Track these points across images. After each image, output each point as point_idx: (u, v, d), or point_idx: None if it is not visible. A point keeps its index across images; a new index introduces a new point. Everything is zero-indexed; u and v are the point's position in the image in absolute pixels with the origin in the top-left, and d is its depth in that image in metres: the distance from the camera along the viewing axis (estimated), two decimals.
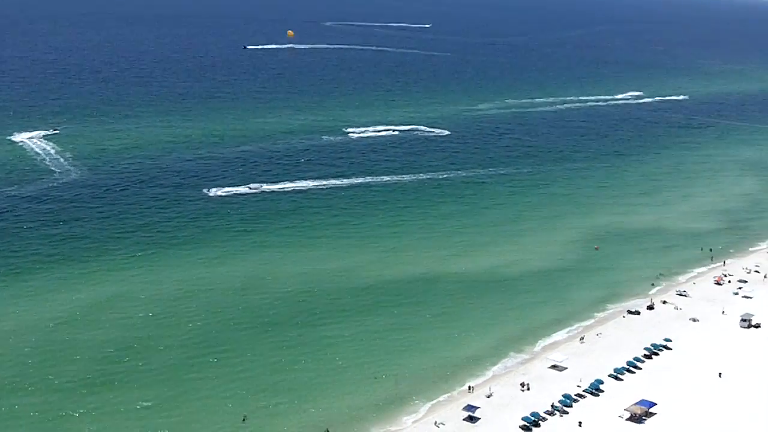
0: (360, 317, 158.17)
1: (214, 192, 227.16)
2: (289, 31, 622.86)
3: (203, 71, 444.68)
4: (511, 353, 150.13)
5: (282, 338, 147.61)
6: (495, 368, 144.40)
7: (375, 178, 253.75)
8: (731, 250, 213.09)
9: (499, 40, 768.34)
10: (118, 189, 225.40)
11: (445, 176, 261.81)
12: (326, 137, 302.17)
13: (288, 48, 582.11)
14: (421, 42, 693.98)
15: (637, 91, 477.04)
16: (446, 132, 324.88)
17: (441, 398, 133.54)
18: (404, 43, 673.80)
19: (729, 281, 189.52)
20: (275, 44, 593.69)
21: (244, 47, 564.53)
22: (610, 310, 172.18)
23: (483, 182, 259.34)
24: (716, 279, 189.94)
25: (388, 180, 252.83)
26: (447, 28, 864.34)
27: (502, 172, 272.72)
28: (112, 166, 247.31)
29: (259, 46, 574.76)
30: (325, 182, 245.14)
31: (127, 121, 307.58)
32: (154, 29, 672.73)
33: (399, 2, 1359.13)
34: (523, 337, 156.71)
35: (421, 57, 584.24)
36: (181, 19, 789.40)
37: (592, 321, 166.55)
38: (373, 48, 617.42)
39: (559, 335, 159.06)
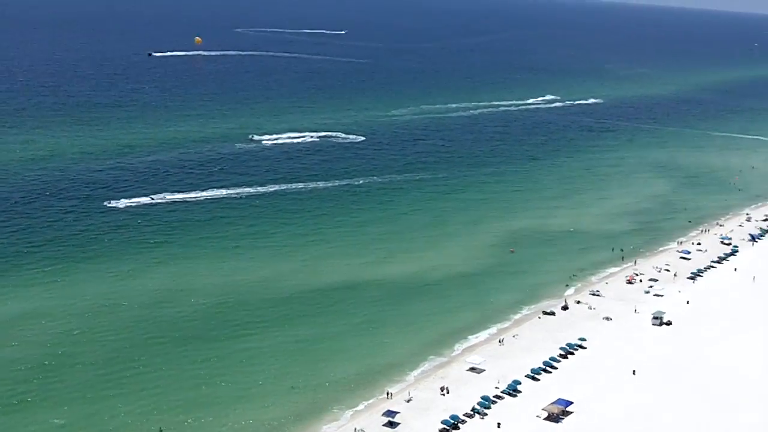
0: (279, 328, 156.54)
1: (125, 203, 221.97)
2: (197, 37, 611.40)
3: (109, 79, 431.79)
4: (431, 357, 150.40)
5: (199, 352, 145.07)
6: (414, 373, 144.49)
7: (290, 185, 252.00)
8: (642, 250, 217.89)
9: (413, 46, 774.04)
10: (25, 202, 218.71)
11: (361, 182, 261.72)
12: (239, 145, 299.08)
13: (195, 55, 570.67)
14: (337, 48, 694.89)
15: (549, 95, 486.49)
16: (361, 138, 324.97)
17: (361, 406, 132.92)
18: (319, 49, 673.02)
19: (640, 280, 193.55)
20: (182, 51, 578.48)
21: (149, 54, 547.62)
22: (526, 312, 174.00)
23: (400, 188, 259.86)
24: (628, 278, 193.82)
25: (304, 187, 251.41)
26: (363, 35, 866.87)
27: (418, 177, 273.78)
28: (18, 178, 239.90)
29: (165, 53, 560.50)
30: (239, 190, 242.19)
31: (34, 131, 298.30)
32: (54, 35, 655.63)
33: (315, 9, 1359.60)
34: (442, 341, 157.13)
35: (336, 63, 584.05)
36: (78, 24, 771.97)
37: (509, 323, 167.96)
38: (287, 55, 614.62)
39: (477, 338, 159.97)
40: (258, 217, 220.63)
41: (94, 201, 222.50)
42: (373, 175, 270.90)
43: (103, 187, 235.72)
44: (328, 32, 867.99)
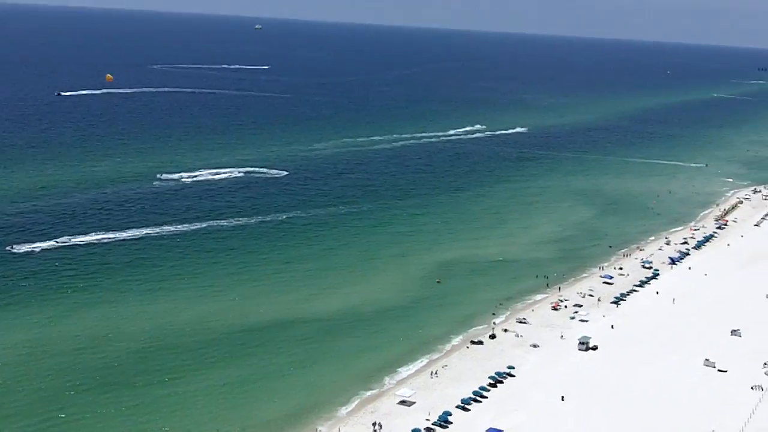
0: (207, 371, 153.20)
1: (41, 246, 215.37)
2: (108, 75, 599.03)
3: (19, 120, 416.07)
4: (361, 392, 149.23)
5: (125, 399, 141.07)
6: (345, 409, 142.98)
7: (213, 222, 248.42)
8: (566, 276, 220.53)
9: (336, 80, 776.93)
10: None
11: (285, 218, 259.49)
12: (158, 183, 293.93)
13: (107, 93, 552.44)
14: (259, 83, 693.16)
15: (471, 126, 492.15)
16: (284, 173, 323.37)
17: None
18: (241, 84, 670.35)
19: (565, 306, 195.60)
20: (92, 89, 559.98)
21: (58, 93, 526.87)
22: (455, 342, 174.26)
23: (325, 223, 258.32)
24: (553, 305, 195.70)
25: (227, 224, 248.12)
26: (286, 70, 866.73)
27: (343, 211, 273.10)
28: None
29: (75, 92, 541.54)
30: (160, 230, 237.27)
31: None
32: None
33: (238, 45, 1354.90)
34: (372, 376, 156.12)
35: (258, 98, 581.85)
36: None
37: (439, 354, 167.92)
38: (207, 91, 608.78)
39: (407, 370, 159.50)
40: (181, 257, 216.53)
41: (7, 246, 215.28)
42: (298, 211, 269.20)
43: (19, 230, 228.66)
44: (250, 68, 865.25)
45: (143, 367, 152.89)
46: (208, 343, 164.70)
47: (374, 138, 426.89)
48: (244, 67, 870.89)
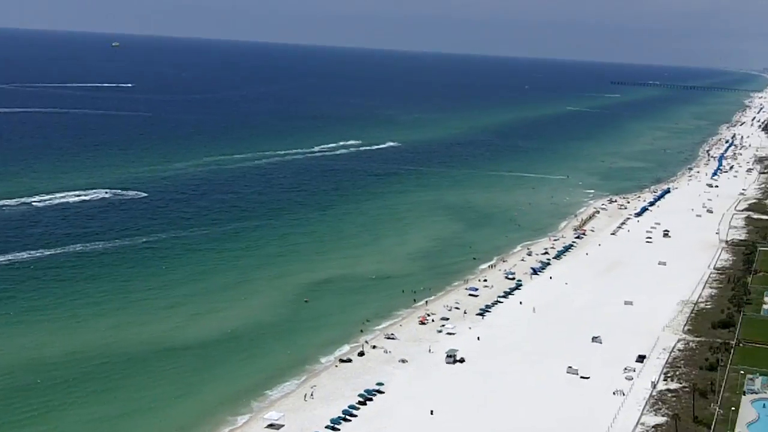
0: (75, 408, 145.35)
1: None
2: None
3: None
4: (229, 418, 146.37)
5: None
6: None
7: (67, 248, 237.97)
8: (432, 290, 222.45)
9: (199, 97, 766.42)
10: None
11: (147, 241, 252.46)
12: (7, 208, 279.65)
13: None
14: (120, 102, 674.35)
15: (338, 142, 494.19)
16: (144, 194, 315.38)
17: None
18: (101, 104, 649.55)
19: (433, 320, 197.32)
20: None
21: None
22: (324, 361, 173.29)
23: (191, 245, 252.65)
24: (420, 319, 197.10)
25: (83, 249, 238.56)
26: (150, 87, 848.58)
27: (209, 233, 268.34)
28: None
29: None
30: (11, 257, 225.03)
31: None
32: None
33: (101, 63, 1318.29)
34: (239, 400, 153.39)
35: (118, 117, 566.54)
36: None
37: (307, 374, 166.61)
38: (61, 111, 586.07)
39: (275, 393, 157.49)
40: (38, 287, 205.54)
41: None
42: (161, 233, 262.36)
43: None
44: (113, 86, 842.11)
45: (2, 407, 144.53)
46: (75, 379, 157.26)
47: (240, 156, 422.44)
48: (106, 85, 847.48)
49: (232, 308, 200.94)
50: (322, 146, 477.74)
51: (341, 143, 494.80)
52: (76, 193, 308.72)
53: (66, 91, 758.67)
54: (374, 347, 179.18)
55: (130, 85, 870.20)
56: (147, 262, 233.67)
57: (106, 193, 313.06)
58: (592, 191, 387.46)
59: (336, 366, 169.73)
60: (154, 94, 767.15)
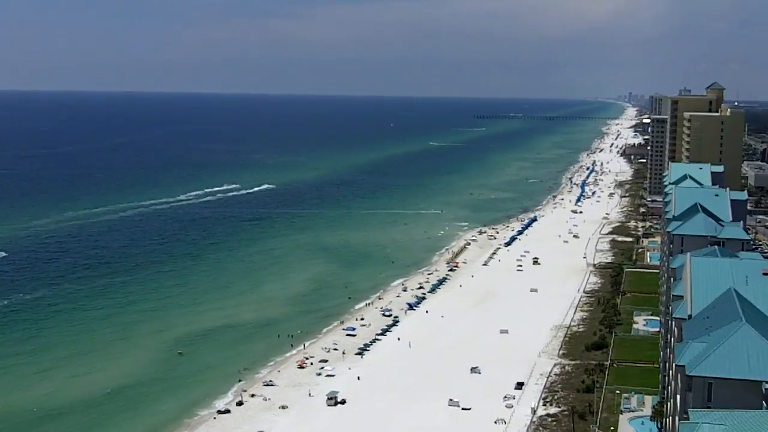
0: None
1: None
2: None
3: None
4: None
5: None
6: None
7: None
8: (309, 333, 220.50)
9: (54, 151, 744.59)
10: None
11: (8, 302, 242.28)
12: None
13: None
14: None
15: (203, 189, 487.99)
16: (3, 254, 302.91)
17: None
18: None
19: (311, 363, 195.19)
20: None
21: None
22: (201, 414, 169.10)
23: (56, 305, 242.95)
24: (299, 363, 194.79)
25: None
26: (6, 143, 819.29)
27: (73, 290, 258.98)
28: None
29: None
30: None
31: None
32: None
33: None
34: None
35: None
36: None
37: (184, 429, 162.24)
38: None
39: None
40: None
41: None
42: (24, 294, 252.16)
43: None
44: None
45: None
46: None
47: (104, 209, 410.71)
48: None
49: (107, 368, 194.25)
50: (189, 194, 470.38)
51: (208, 190, 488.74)
52: None
53: None
54: (253, 396, 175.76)
55: None
56: (12, 325, 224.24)
57: None
58: (463, 224, 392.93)
59: (214, 418, 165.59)
60: (10, 150, 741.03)
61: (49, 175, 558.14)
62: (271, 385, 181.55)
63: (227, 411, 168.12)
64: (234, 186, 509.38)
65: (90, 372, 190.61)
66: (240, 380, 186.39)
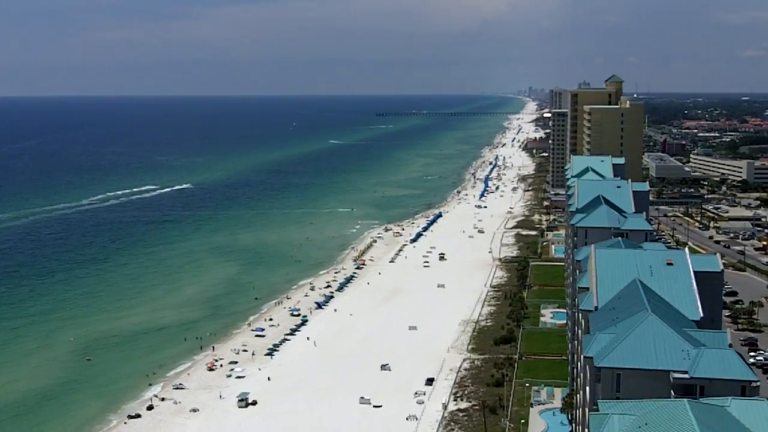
0: None
1: None
2: None
3: None
4: None
5: None
6: None
7: None
8: (218, 335, 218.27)
9: None
10: None
11: None
12: None
13: None
14: None
15: (105, 193, 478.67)
16: None
17: None
18: None
19: (221, 365, 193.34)
20: None
21: None
22: (112, 420, 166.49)
23: None
24: (209, 365, 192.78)
25: None
26: None
27: None
28: None
29: None
30: None
31: None
32: None
33: None
34: None
35: None
36: None
37: None
38: None
39: None
40: None
41: None
42: None
43: None
44: None
45: None
46: None
47: (2, 215, 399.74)
48: None
49: (10, 373, 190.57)
50: (92, 198, 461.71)
51: (111, 194, 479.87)
52: None
53: None
54: (163, 399, 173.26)
55: None
56: None
57: None
58: (368, 221, 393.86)
59: (125, 423, 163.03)
60: None
61: None
62: (182, 388, 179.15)
63: (138, 416, 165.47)
64: (138, 189, 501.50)
65: None
66: (150, 384, 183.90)
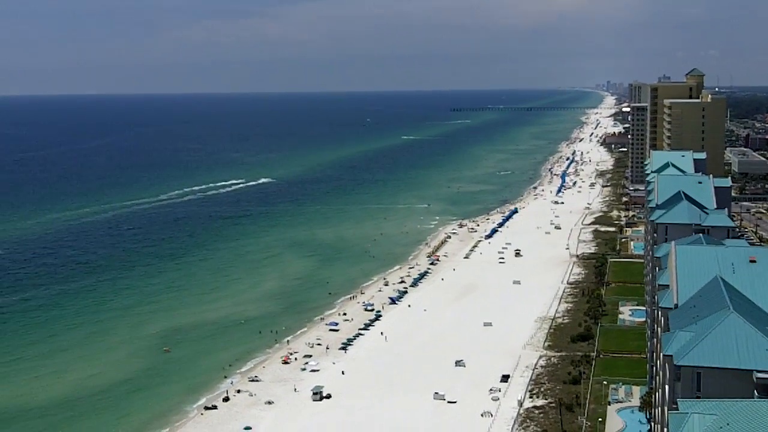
0: None
1: None
2: None
3: None
4: None
5: None
6: None
7: None
8: (293, 329, 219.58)
9: (31, 155, 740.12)
10: None
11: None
12: None
13: None
14: None
15: (182, 189, 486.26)
16: (7, 249, 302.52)
17: None
18: None
19: (296, 358, 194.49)
20: None
21: None
22: (188, 411, 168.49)
23: (38, 305, 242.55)
24: (283, 358, 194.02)
25: None
26: None
27: (54, 291, 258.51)
28: None
29: None
30: None
31: None
32: None
33: None
34: None
35: None
36: None
37: (171, 426, 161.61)
38: None
39: None
40: None
41: None
42: (3, 296, 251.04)
43: None
44: None
45: None
46: None
47: (81, 210, 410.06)
48: None
49: (92, 364, 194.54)
50: (170, 194, 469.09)
51: (187, 189, 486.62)
52: None
53: None
54: (239, 391, 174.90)
55: None
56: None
57: None
58: (442, 217, 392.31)
59: (201, 414, 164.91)
60: None
61: (27, 179, 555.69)
62: (257, 380, 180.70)
63: (214, 407, 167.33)
64: (213, 185, 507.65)
65: (75, 370, 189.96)
66: (225, 376, 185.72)
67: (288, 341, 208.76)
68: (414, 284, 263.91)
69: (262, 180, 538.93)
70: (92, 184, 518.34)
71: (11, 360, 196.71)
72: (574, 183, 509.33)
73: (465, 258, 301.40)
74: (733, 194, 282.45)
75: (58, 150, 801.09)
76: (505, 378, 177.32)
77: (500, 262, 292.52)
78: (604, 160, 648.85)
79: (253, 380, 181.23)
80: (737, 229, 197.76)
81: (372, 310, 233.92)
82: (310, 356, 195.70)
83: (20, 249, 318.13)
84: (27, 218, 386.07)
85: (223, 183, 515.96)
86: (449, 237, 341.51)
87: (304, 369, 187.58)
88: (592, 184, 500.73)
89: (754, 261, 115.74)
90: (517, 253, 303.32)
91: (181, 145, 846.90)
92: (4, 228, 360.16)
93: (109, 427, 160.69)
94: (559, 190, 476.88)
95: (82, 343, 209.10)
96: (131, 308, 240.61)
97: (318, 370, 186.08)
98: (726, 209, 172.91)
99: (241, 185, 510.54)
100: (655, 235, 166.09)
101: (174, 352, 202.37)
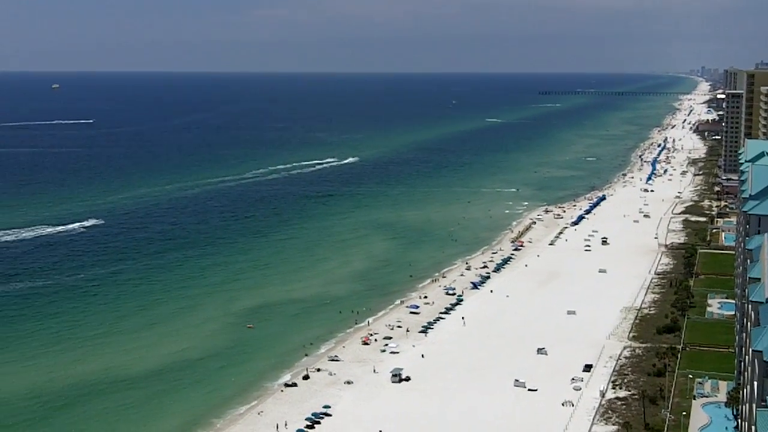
0: None
1: None
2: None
3: None
4: None
5: None
6: None
7: (9, 287, 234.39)
8: (373, 310, 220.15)
9: (125, 130, 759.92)
10: None
11: (86, 275, 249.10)
12: None
13: None
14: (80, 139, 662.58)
15: (270, 167, 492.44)
16: (82, 230, 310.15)
17: None
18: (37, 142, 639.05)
19: (375, 339, 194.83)
20: None
21: None
22: (268, 387, 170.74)
23: (130, 278, 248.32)
24: (363, 339, 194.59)
25: (26, 288, 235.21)
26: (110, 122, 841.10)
27: (145, 263, 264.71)
28: None
29: None
30: None
31: None
32: None
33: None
34: (187, 431, 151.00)
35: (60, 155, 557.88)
36: None
37: (252, 401, 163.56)
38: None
39: (221, 421, 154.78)
40: None
41: None
42: (100, 268, 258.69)
43: None
44: (71, 122, 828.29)
45: None
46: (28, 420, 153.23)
47: (175, 185, 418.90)
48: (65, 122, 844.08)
49: (177, 339, 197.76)
50: (255, 171, 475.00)
51: (272, 168, 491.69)
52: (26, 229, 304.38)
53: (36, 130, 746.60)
54: (319, 370, 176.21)
55: (91, 120, 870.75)
56: (89, 298, 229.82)
57: (49, 228, 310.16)
58: (528, 202, 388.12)
59: (282, 391, 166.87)
60: (95, 129, 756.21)
61: (121, 154, 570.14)
62: (336, 360, 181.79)
63: (294, 384, 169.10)
64: (297, 164, 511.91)
65: (164, 344, 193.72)
66: (306, 355, 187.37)
67: (368, 322, 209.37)
68: (497, 269, 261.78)
69: (349, 160, 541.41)
70: (181, 161, 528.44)
71: (104, 332, 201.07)
72: (665, 171, 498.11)
73: (550, 245, 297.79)
74: None
75: (150, 126, 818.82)
76: (587, 367, 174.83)
77: (586, 250, 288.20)
78: (697, 147, 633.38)
79: (333, 360, 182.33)
80: None
81: (453, 294, 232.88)
82: (390, 338, 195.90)
83: (111, 223, 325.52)
84: (119, 192, 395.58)
85: (308, 162, 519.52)
86: (534, 223, 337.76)
87: (383, 350, 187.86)
88: (684, 173, 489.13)
89: None
90: (604, 241, 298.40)
91: (267, 124, 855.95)
92: (97, 202, 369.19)
93: (190, 402, 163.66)
94: (649, 178, 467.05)
95: (170, 318, 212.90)
96: (219, 285, 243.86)
97: (398, 353, 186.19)
98: None
99: (326, 165, 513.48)
100: (747, 226, 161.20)
101: (258, 329, 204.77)
